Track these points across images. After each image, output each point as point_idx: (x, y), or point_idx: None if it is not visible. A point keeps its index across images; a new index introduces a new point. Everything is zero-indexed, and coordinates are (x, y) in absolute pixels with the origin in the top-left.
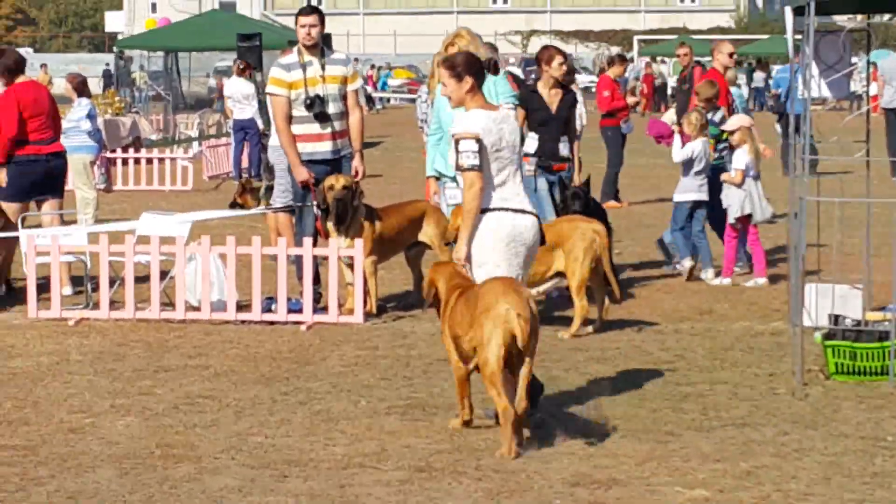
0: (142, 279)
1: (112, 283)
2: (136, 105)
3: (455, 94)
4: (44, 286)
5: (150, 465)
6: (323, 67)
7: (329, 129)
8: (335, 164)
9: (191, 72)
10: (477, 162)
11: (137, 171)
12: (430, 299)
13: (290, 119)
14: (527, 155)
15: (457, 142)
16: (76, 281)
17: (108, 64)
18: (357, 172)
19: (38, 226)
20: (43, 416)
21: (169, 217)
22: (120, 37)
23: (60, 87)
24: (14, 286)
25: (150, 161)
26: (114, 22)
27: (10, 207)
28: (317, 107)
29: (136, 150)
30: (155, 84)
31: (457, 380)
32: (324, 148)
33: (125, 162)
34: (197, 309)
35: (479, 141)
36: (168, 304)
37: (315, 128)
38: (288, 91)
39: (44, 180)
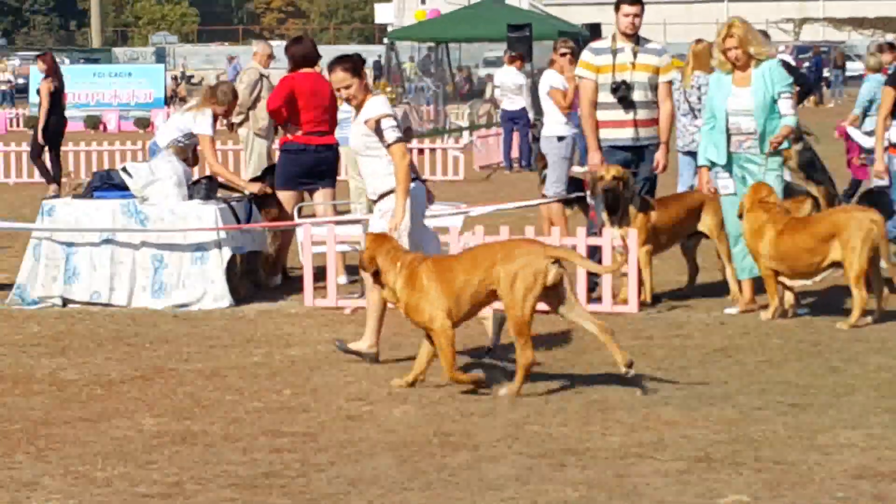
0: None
1: None
2: (406, 96)
3: (360, 94)
4: (320, 275)
5: (427, 452)
6: (635, 55)
7: (631, 116)
8: (636, 152)
9: (461, 62)
10: (401, 134)
11: None
12: (371, 270)
13: (595, 104)
14: None
15: (380, 121)
16: (351, 270)
17: (379, 56)
18: (658, 165)
19: (313, 215)
20: (322, 404)
21: (444, 206)
22: (390, 28)
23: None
24: (290, 275)
25: (420, 151)
26: (384, 14)
27: (284, 196)
28: (621, 91)
29: (407, 141)
30: (425, 75)
31: (446, 342)
32: (624, 135)
33: None
34: None
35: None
36: None
37: (618, 114)
38: (595, 75)
39: (312, 170)
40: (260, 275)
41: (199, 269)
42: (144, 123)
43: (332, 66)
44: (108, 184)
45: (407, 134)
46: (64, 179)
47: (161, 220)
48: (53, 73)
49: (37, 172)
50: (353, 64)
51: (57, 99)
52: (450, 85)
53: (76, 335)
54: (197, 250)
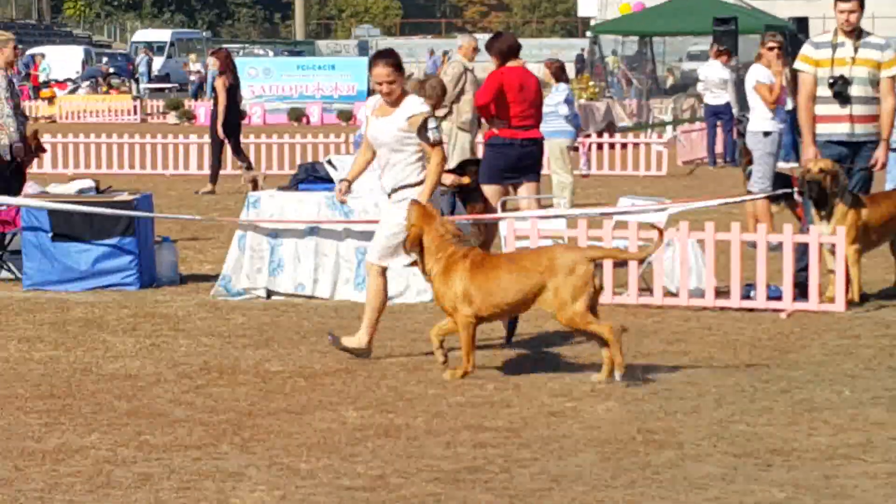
0: (618, 264)
1: None
2: (609, 90)
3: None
4: None
5: (631, 450)
6: (856, 50)
7: (847, 111)
8: (852, 148)
9: (665, 56)
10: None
11: (612, 156)
12: (414, 248)
13: (813, 98)
14: None
15: (426, 120)
16: None
17: (582, 49)
18: (876, 162)
19: (517, 209)
20: (524, 399)
21: (647, 202)
22: (593, 22)
23: (535, 72)
24: None
25: (624, 146)
26: (587, 7)
27: (489, 190)
28: (838, 86)
29: (611, 136)
30: (627, 69)
31: (467, 331)
32: (839, 130)
33: (599, 147)
34: (675, 295)
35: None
36: (645, 289)
37: (834, 109)
38: (814, 69)
39: (517, 165)
40: None
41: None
42: (347, 116)
43: (375, 61)
44: (312, 176)
45: (609, 128)
46: (239, 172)
47: (365, 213)
48: (228, 69)
49: (237, 163)
50: (396, 60)
51: (233, 95)
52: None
53: (280, 327)
54: None
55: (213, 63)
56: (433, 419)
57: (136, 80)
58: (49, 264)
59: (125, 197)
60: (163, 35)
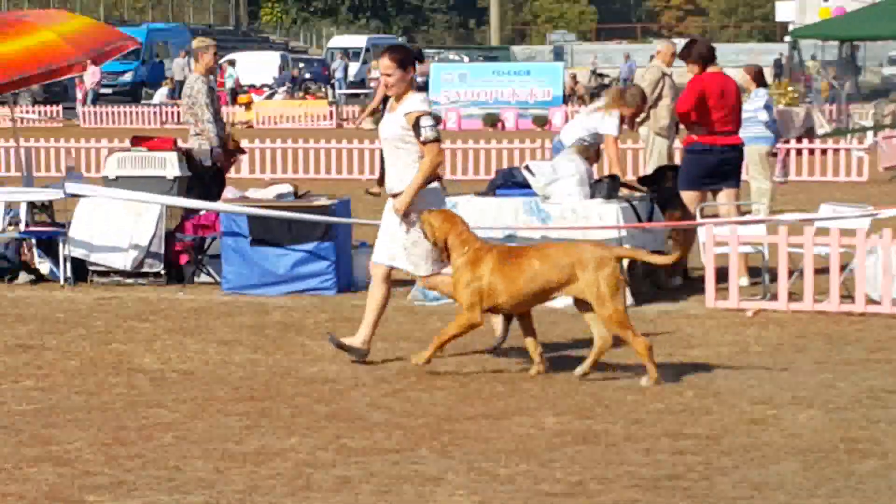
0: (820, 271)
1: (790, 274)
2: (809, 96)
3: (400, 86)
4: (721, 276)
5: (833, 459)
6: None
7: None
8: None
9: (865, 61)
10: (438, 135)
11: (811, 162)
12: (442, 246)
13: None
14: None
15: (420, 118)
16: (753, 271)
17: (780, 54)
18: None
19: (715, 216)
20: (724, 407)
21: (850, 208)
22: (791, 26)
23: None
24: (691, 276)
25: (823, 152)
26: (785, 11)
27: (688, 196)
28: None
29: (810, 141)
30: (826, 74)
31: (464, 328)
32: None
33: (798, 153)
34: (877, 303)
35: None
36: (847, 296)
37: None
38: None
39: (717, 170)
40: (660, 275)
41: None
42: (542, 121)
43: (381, 52)
44: (510, 182)
45: (808, 133)
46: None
47: (563, 219)
48: None
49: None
50: (402, 56)
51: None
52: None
53: (477, 332)
54: None
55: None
56: (632, 425)
57: (332, 86)
58: (248, 269)
59: (323, 202)
60: (358, 41)
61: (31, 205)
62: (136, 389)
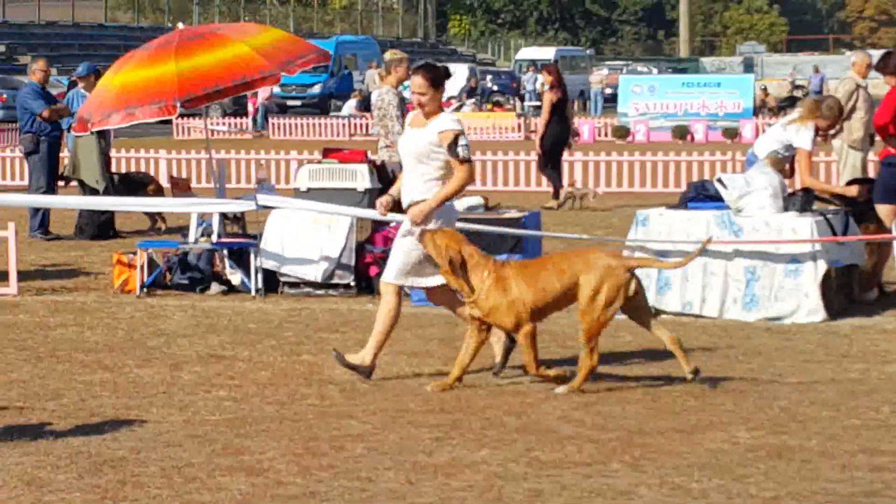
0: None
1: None
2: None
3: (431, 104)
4: None
5: None
6: None
7: None
8: None
9: None
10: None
11: None
12: (457, 271)
13: None
14: None
15: (457, 137)
16: None
17: None
18: None
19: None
20: None
21: None
22: None
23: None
24: (886, 290)
25: None
26: None
27: (884, 210)
28: None
29: None
30: None
31: (530, 343)
32: None
33: None
34: None
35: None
36: None
37: None
38: None
39: None
40: (854, 289)
41: (793, 281)
42: (732, 133)
43: (414, 71)
44: (702, 195)
45: None
46: (569, 189)
47: (755, 232)
48: (558, 84)
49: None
50: (434, 75)
51: (560, 110)
52: None
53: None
54: (791, 263)
55: (544, 78)
56: (827, 441)
57: (521, 98)
58: None
59: (513, 214)
60: (547, 53)
61: (224, 216)
62: (327, 400)
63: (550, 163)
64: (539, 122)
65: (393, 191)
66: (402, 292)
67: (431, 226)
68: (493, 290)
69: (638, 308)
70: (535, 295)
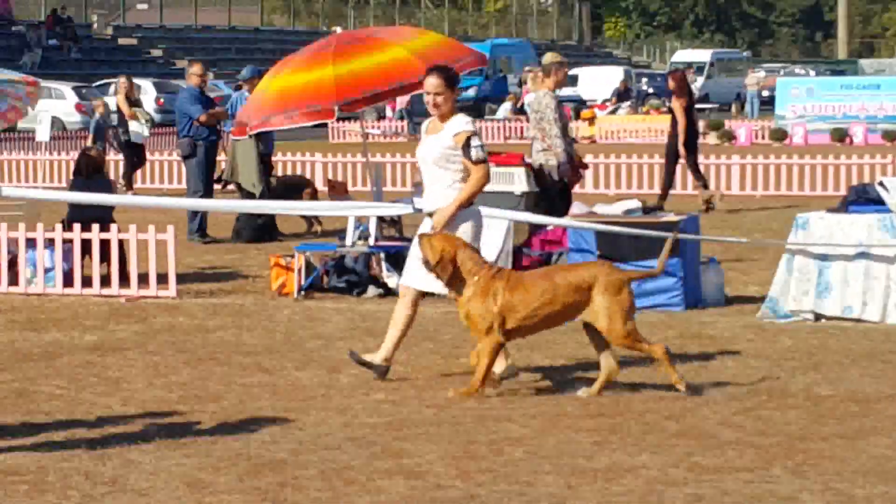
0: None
1: None
2: None
3: (446, 105)
4: None
5: None
6: None
7: None
8: None
9: None
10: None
11: None
12: (448, 273)
13: None
14: None
15: (470, 138)
16: None
17: None
18: None
19: None
20: None
21: None
22: None
23: None
24: None
25: None
26: None
27: None
28: None
29: None
30: None
31: (492, 353)
32: None
33: None
34: None
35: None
36: None
37: None
38: None
39: None
40: None
41: None
42: (892, 136)
43: (428, 72)
44: (864, 198)
45: None
46: (698, 192)
47: None
48: (684, 91)
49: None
50: (449, 75)
51: (689, 115)
52: None
53: (828, 350)
54: None
55: (670, 84)
56: None
57: None
58: None
59: (671, 218)
60: (702, 55)
61: (381, 219)
62: (486, 404)
63: (671, 168)
64: (679, 129)
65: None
66: (419, 297)
67: (461, 230)
68: (477, 296)
69: (595, 329)
70: (525, 308)
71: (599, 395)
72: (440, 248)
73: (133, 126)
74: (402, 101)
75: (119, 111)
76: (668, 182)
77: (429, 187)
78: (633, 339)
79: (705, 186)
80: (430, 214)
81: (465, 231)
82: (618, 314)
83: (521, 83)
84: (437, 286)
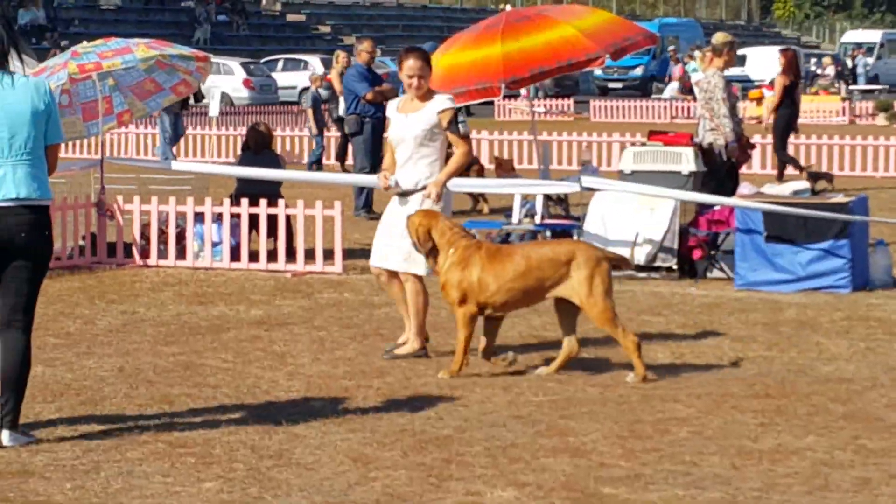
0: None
1: None
2: None
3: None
4: None
5: None
6: None
7: None
8: None
9: None
10: None
11: None
12: (427, 247)
13: None
14: None
15: (456, 114)
16: None
17: None
18: None
19: None
20: None
21: None
22: None
23: None
24: None
25: None
26: None
27: None
28: None
29: None
30: None
31: (468, 324)
32: None
33: None
34: None
35: None
36: None
37: None
38: None
39: None
40: None
41: None
42: None
43: (406, 55)
44: None
45: None
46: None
47: None
48: (791, 68)
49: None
50: (426, 55)
51: (790, 93)
52: None
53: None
54: None
55: (781, 61)
56: None
57: (846, 82)
58: (762, 265)
59: (840, 199)
60: (873, 36)
61: (547, 197)
62: (651, 383)
63: (781, 145)
64: (769, 105)
65: (386, 163)
66: (391, 273)
67: (444, 203)
68: (454, 266)
69: (567, 308)
70: (497, 283)
71: (556, 373)
72: (417, 222)
73: None
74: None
75: (331, 87)
76: (791, 159)
77: (408, 165)
78: (612, 318)
79: (798, 167)
80: (405, 193)
81: (447, 204)
82: (598, 290)
83: (683, 62)
84: (398, 263)
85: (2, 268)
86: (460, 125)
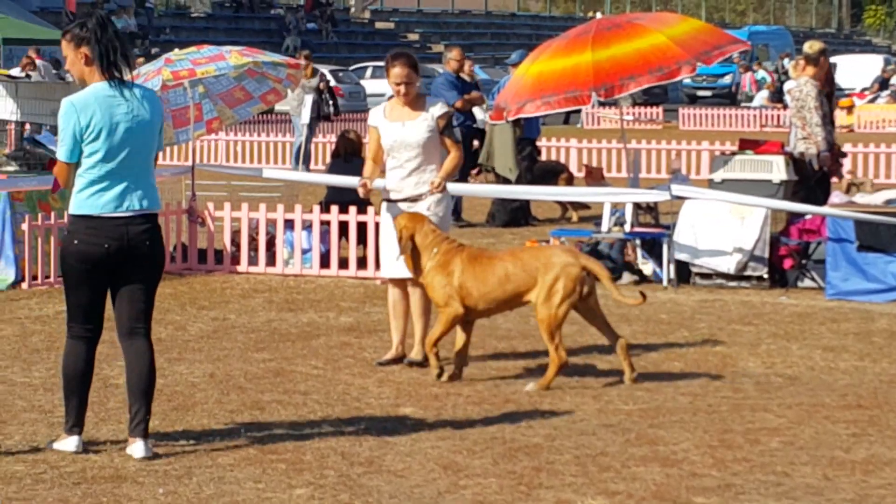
0: None
1: None
2: None
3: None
4: None
5: None
6: None
7: None
8: None
9: None
10: None
11: None
12: (408, 249)
13: None
14: None
15: (451, 118)
16: None
17: None
18: None
19: None
20: None
21: None
22: None
23: None
24: None
25: None
26: None
27: None
28: None
29: None
30: None
31: (449, 323)
32: None
33: None
34: None
35: None
36: None
37: None
38: None
39: None
40: None
41: None
42: None
43: (392, 62)
44: None
45: None
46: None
47: None
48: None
49: None
50: (412, 61)
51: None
52: None
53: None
54: None
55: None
56: None
57: None
58: (853, 274)
59: None
60: None
61: (637, 206)
62: (741, 393)
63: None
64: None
65: (367, 173)
66: (403, 283)
67: (444, 206)
68: (436, 268)
69: (591, 309)
70: (477, 286)
71: (635, 382)
72: (402, 225)
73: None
74: None
75: None
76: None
77: (416, 172)
78: (555, 329)
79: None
80: (409, 200)
81: (447, 212)
82: (556, 296)
83: (752, 70)
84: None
85: (116, 279)
86: (456, 129)
